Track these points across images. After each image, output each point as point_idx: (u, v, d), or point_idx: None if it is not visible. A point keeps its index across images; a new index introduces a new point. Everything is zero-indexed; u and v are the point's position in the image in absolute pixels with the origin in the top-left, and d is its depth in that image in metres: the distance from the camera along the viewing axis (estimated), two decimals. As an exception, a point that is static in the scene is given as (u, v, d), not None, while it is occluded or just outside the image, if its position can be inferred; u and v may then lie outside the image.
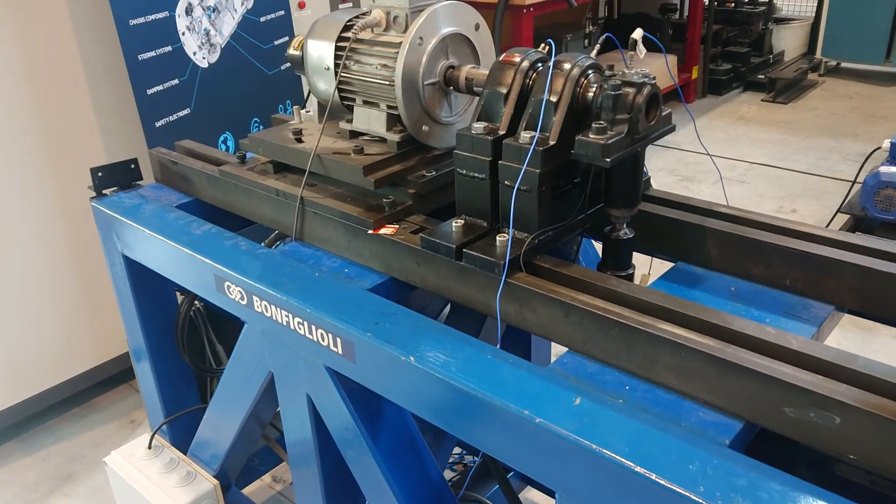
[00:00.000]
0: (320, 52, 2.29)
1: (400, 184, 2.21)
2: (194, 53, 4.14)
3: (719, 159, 7.48)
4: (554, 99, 1.85)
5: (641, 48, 1.84)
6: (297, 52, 2.42)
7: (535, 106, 1.87)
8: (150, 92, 3.83)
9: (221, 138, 4.42)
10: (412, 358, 1.74)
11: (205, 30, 4.18)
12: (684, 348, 1.54)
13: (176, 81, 4.02)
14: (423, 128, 2.18)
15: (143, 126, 3.81)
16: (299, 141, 2.35)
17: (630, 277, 2.01)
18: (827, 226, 5.66)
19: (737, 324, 1.58)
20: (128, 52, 3.68)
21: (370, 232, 2.09)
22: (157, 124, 3.89)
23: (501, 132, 1.92)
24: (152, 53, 3.82)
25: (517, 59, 1.95)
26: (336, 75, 2.27)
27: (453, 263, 1.91)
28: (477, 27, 2.22)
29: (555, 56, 1.89)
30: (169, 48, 3.93)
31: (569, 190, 1.96)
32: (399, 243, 2.04)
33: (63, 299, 4.15)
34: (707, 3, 9.07)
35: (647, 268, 2.27)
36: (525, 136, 1.83)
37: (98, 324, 4.30)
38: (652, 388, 1.61)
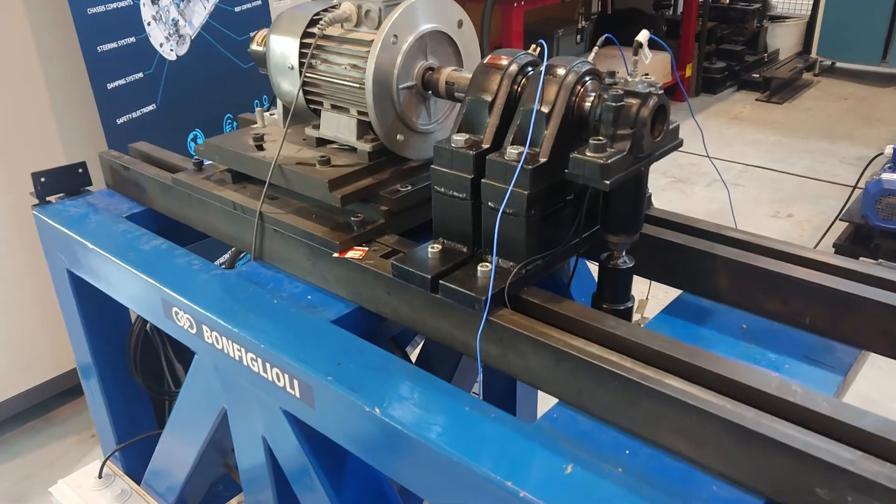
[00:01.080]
0: (284, 48, 2.04)
1: (371, 199, 1.96)
2: (161, 45, 3.86)
3: (714, 160, 7.26)
4: (545, 109, 1.60)
5: (647, 52, 1.60)
6: (261, 49, 2.17)
7: (523, 117, 1.63)
8: (110, 86, 3.55)
9: (191, 136, 4.15)
10: (378, 409, 1.50)
11: (173, 20, 3.90)
12: (695, 410, 1.30)
13: (140, 75, 3.74)
14: (398, 137, 1.93)
15: (102, 124, 3.53)
16: (260, 148, 2.09)
17: (629, 312, 1.78)
18: (825, 234, 5.47)
19: (756, 379, 1.35)
20: (85, 42, 3.40)
21: (335, 255, 1.85)
22: (119, 121, 3.62)
23: (485, 146, 1.67)
24: (113, 45, 3.54)
25: (504, 63, 1.71)
26: (301, 75, 2.01)
27: (428, 295, 1.67)
28: (460, 24, 1.97)
29: (547, 59, 1.65)
30: (132, 39, 3.66)
31: (562, 210, 1.72)
32: (368, 269, 1.79)
33: (19, 306, 3.87)
34: (702, 0, 8.85)
35: (646, 292, 2.04)
36: (512, 151, 1.59)
37: (58, 331, 4.02)
38: (656, 452, 1.38)
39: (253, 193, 2.11)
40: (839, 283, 1.65)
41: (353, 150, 2.01)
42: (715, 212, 6.09)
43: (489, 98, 1.69)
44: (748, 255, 1.78)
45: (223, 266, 2.36)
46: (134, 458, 2.84)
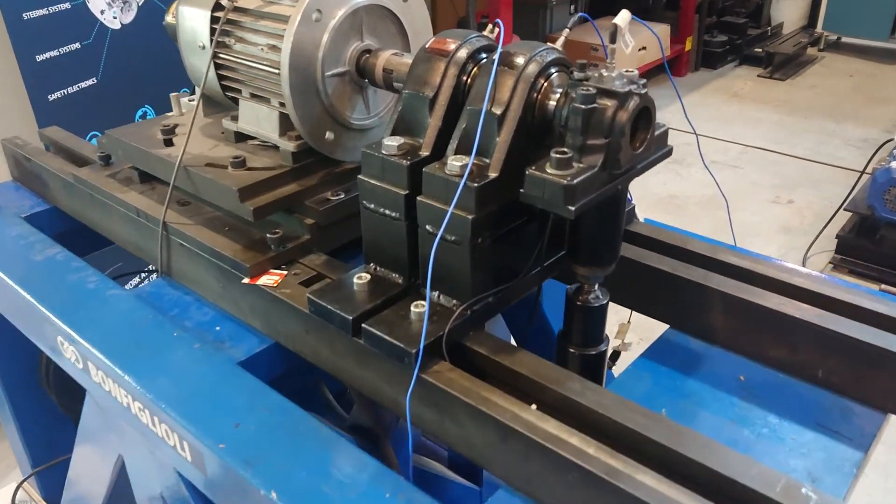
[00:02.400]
0: (194, 23, 1.68)
1: (296, 210, 1.62)
2: (102, 12, 3.46)
3: (711, 140, 6.92)
4: (498, 110, 1.26)
5: (628, 39, 1.25)
6: (173, 21, 1.80)
7: (470, 119, 1.28)
8: (39, 58, 3.17)
9: (139, 113, 3.78)
10: (274, 494, 1.17)
11: (116, -17, 3.51)
12: (677, 522, 0.98)
13: (77, 46, 3.36)
14: (327, 135, 1.58)
15: (31, 100, 3.16)
16: (168, 143, 1.74)
17: (601, 358, 1.45)
18: (827, 223, 5.14)
19: (757, 478, 1.02)
20: (7, 9, 3.02)
21: (245, 281, 1.51)
22: (51, 97, 3.24)
23: (424, 153, 1.33)
24: (42, 11, 3.15)
25: (451, 47, 1.36)
26: (212, 56, 1.65)
27: (350, 340, 1.34)
28: (405, -3, 1.61)
29: (503, 45, 1.30)
30: (66, 5, 3.27)
31: (520, 231, 1.39)
32: (282, 301, 1.46)
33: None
34: (703, -31, 8.41)
35: (628, 314, 1.72)
36: (454, 163, 1.24)
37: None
38: (625, 566, 1.06)
39: (161, 197, 1.77)
40: (862, 332, 1.33)
41: (277, 148, 1.66)
42: (712, 196, 5.74)
43: (430, 93, 1.34)
44: (750, 290, 1.45)
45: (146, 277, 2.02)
46: (52, 482, 2.53)
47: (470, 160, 1.22)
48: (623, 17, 1.23)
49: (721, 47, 8.91)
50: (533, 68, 1.26)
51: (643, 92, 1.18)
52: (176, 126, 1.82)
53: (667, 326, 1.58)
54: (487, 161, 1.26)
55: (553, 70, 1.29)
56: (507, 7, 5.95)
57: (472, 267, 1.27)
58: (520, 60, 1.27)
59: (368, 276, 1.39)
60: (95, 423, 1.74)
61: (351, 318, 1.31)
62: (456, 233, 1.26)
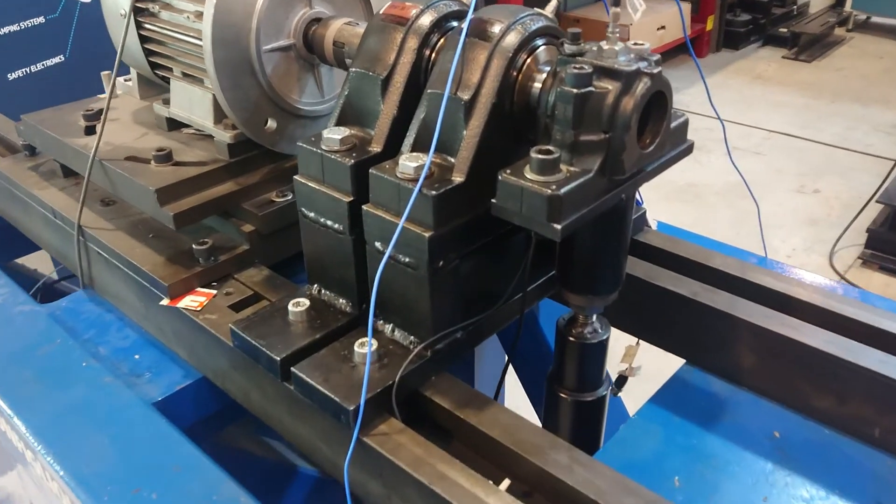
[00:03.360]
0: (112, -14, 1.39)
1: (234, 213, 1.34)
2: (70, -17, 3.18)
3: (732, 125, 6.55)
4: (465, 95, 0.96)
5: (638, 2, 0.95)
6: (101, -14, 1.52)
7: (431, 105, 0.99)
8: (12, 77, 2.92)
9: (114, 94, 3.50)
10: None
11: (86, -48, 3.22)
12: None
13: (41, 20, 3.08)
14: (269, 123, 1.30)
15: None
16: (90, 131, 1.46)
17: (600, 404, 1.17)
18: (857, 215, 4.80)
19: None
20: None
21: (164, 303, 1.24)
22: (11, 76, 2.97)
23: (374, 149, 1.04)
24: (14, 28, 2.89)
25: (411, 13, 1.06)
26: (137, 27, 1.37)
27: (281, 385, 1.06)
28: (367, -47, 1.31)
29: (475, 7, 1.00)
30: (41, 19, 3.01)
31: (498, 248, 1.10)
32: (204, 329, 1.18)
33: None
34: (727, -56, 7.98)
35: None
36: (408, 163, 0.95)
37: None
38: None
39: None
40: (935, 383, 1.03)
41: (213, 139, 1.37)
42: (735, 185, 5.39)
43: (383, 72, 1.05)
44: (787, 321, 1.15)
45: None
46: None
47: (427, 159, 0.93)
48: (630, -30, 0.93)
49: (744, 27, 8.49)
50: (512, 39, 0.96)
51: (656, 71, 0.89)
52: (101, 111, 1.54)
53: (682, 361, 1.29)
54: (452, 161, 0.97)
55: (539, 42, 1.00)
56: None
57: (431, 296, 0.99)
58: (496, 29, 0.98)
59: (307, 303, 1.11)
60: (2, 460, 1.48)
61: (278, 358, 1.03)
62: (410, 254, 0.97)
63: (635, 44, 0.94)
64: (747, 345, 1.18)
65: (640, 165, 0.93)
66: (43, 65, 3.12)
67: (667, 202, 5.08)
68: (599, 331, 1.11)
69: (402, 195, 0.95)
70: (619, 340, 1.46)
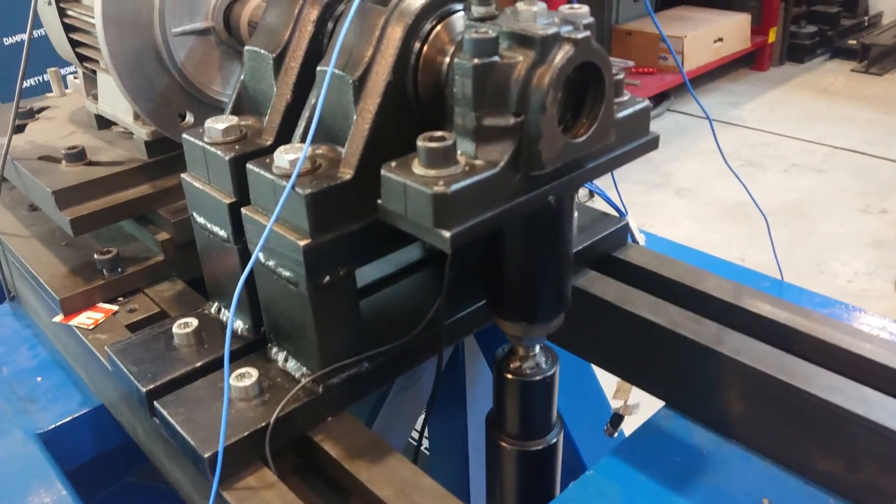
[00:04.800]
0: (38, -30, 1.26)
1: (152, 220, 1.19)
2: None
3: (794, 141, 6.17)
4: (355, 73, 0.78)
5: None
6: (42, -25, 1.40)
7: (320, 87, 0.81)
8: (7, 42, 2.88)
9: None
10: None
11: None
12: None
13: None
14: (186, 118, 1.14)
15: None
16: (19, 129, 1.34)
17: (547, 456, 0.95)
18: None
19: None
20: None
21: (57, 319, 1.09)
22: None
23: (265, 140, 0.87)
24: (12, -10, 2.85)
25: (313, -20, 0.89)
26: (59, 15, 1.24)
27: (153, 422, 0.89)
28: (301, -76, 1.14)
29: (381, -29, 0.82)
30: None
31: (420, 266, 0.91)
32: (91, 351, 1.02)
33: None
34: (792, -47, 7.60)
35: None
36: (284, 156, 0.77)
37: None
38: None
39: (13, 198, 1.37)
40: (973, 450, 0.78)
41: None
42: (792, 204, 5.06)
43: (276, 49, 0.88)
44: (785, 361, 0.92)
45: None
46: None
47: (303, 151, 0.75)
48: None
49: (810, 39, 8.06)
50: (414, 2, 0.78)
51: (581, 37, 0.68)
52: (44, 109, 1.42)
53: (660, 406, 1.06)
54: (339, 153, 0.79)
55: (456, 8, 0.81)
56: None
57: (316, 320, 0.80)
58: (401, -8, 0.79)
59: (196, 324, 0.94)
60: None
61: (144, 390, 0.86)
62: (289, 266, 0.79)
63: (570, 7, 0.74)
64: (735, 388, 0.95)
65: (568, 159, 0.73)
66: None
67: (715, 221, 4.77)
68: (543, 365, 0.91)
69: (277, 194, 0.77)
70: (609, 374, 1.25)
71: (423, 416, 1.65)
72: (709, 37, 6.55)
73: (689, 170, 5.49)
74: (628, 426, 1.51)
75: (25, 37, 2.80)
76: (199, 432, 0.79)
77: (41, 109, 1.43)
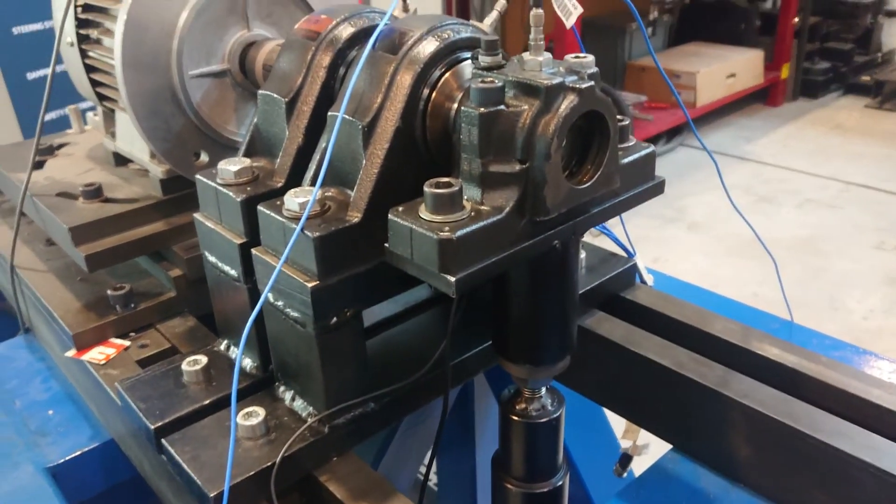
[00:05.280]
0: (61, 13, 1.30)
1: (166, 256, 1.21)
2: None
3: (808, 176, 6.16)
4: (364, 119, 0.80)
5: (571, 3, 0.77)
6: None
7: (330, 131, 0.83)
8: (31, 76, 2.94)
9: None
10: None
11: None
12: None
13: (78, 63, 3.11)
14: (201, 156, 1.16)
15: (18, 121, 2.93)
16: (39, 166, 1.37)
17: (555, 496, 0.95)
18: (945, 277, 4.35)
19: None
20: (-7, 23, 2.80)
21: (69, 354, 1.10)
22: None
23: (276, 182, 0.89)
24: (36, 26, 2.93)
25: (325, 27, 0.91)
26: (81, 56, 1.28)
27: (159, 458, 0.90)
28: (317, -30, 1.18)
29: (392, 17, 0.84)
30: None
31: (426, 307, 0.92)
32: (102, 386, 1.04)
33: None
34: (805, -9, 7.66)
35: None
36: (294, 199, 0.79)
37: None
38: None
39: (31, 233, 1.40)
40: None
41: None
42: (806, 240, 5.03)
43: (288, 94, 0.90)
44: (792, 406, 0.92)
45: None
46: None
47: (313, 194, 0.76)
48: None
49: (823, 75, 8.10)
50: (425, 50, 0.80)
51: (585, 86, 0.70)
52: (63, 145, 1.46)
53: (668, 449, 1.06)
54: (349, 195, 0.81)
55: (464, 56, 0.83)
56: (573, 40, 5.46)
57: (322, 359, 0.81)
58: (409, 40, 0.81)
59: (205, 361, 0.95)
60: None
61: (152, 427, 0.87)
62: (296, 307, 0.80)
63: (576, 57, 0.76)
64: (742, 432, 0.94)
65: (572, 204, 0.74)
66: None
67: (729, 256, 4.75)
68: (549, 407, 0.91)
69: (287, 236, 0.78)
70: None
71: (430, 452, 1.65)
72: (722, 72, 6.59)
73: (703, 205, 5.49)
74: (637, 466, 1.50)
75: (47, 72, 2.85)
76: (205, 471, 0.80)
77: (60, 146, 1.46)
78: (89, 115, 1.58)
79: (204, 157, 1.16)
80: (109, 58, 1.21)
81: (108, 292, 1.14)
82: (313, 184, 0.84)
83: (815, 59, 8.46)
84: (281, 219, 0.79)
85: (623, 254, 1.22)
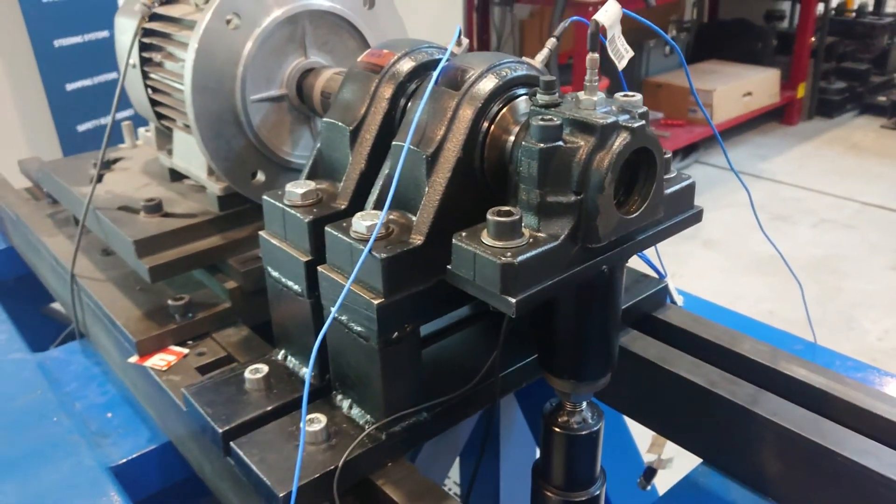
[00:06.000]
0: (126, 36, 1.38)
1: (221, 269, 1.28)
2: (145, 41, 3.32)
3: (824, 196, 6.19)
4: (428, 149, 0.86)
5: (621, 45, 0.84)
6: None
7: (395, 159, 0.90)
8: (70, 87, 3.03)
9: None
10: None
11: (162, 13, 3.36)
12: None
13: (113, 75, 3.21)
14: (256, 176, 1.23)
15: (57, 130, 3.01)
16: (99, 179, 1.44)
17: (593, 503, 1.01)
18: (961, 299, 4.37)
19: None
20: (37, 36, 2.89)
21: (132, 360, 1.17)
22: (80, 128, 3.09)
23: (339, 205, 0.95)
24: (77, 39, 3.02)
25: (388, 60, 0.98)
26: (143, 77, 1.35)
27: (225, 460, 0.96)
28: (370, 2, 1.25)
29: (451, 54, 0.91)
30: (104, 33, 3.13)
31: (473, 323, 0.98)
32: (165, 392, 1.10)
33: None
34: (821, 12, 7.70)
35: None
36: (361, 222, 0.86)
37: None
38: None
39: (88, 243, 1.47)
40: None
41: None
42: (821, 258, 5.06)
43: (352, 122, 0.97)
44: (820, 425, 0.97)
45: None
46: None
47: (380, 218, 0.83)
48: (609, 11, 0.81)
49: (839, 95, 8.13)
50: (485, 87, 0.86)
51: (637, 125, 0.76)
52: (118, 160, 1.53)
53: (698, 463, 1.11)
54: (412, 220, 0.87)
55: (520, 92, 0.89)
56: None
57: (384, 372, 0.87)
58: (470, 76, 0.88)
59: (266, 370, 1.01)
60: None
61: (220, 431, 0.93)
62: (361, 322, 0.86)
63: (625, 95, 0.82)
64: (772, 449, 1.00)
65: (622, 233, 0.80)
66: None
67: (744, 275, 4.79)
68: (590, 420, 0.96)
69: (353, 256, 0.85)
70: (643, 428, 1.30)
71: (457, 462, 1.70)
72: (738, 91, 6.64)
73: (719, 222, 5.52)
74: (661, 480, 1.55)
75: (85, 83, 2.93)
76: (273, 473, 0.86)
77: (115, 160, 1.54)
78: (140, 130, 1.65)
79: (260, 177, 1.23)
80: (171, 80, 1.29)
81: (169, 302, 1.20)
82: (376, 207, 0.90)
83: (832, 79, 8.49)
84: (348, 240, 0.86)
85: (654, 275, 1.28)
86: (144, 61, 1.34)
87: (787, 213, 6.18)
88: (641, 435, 1.52)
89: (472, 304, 1.00)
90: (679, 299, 1.30)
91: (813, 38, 7.87)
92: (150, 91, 1.37)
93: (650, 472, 1.55)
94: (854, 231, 5.90)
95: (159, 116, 1.40)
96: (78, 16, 3.00)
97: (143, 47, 1.31)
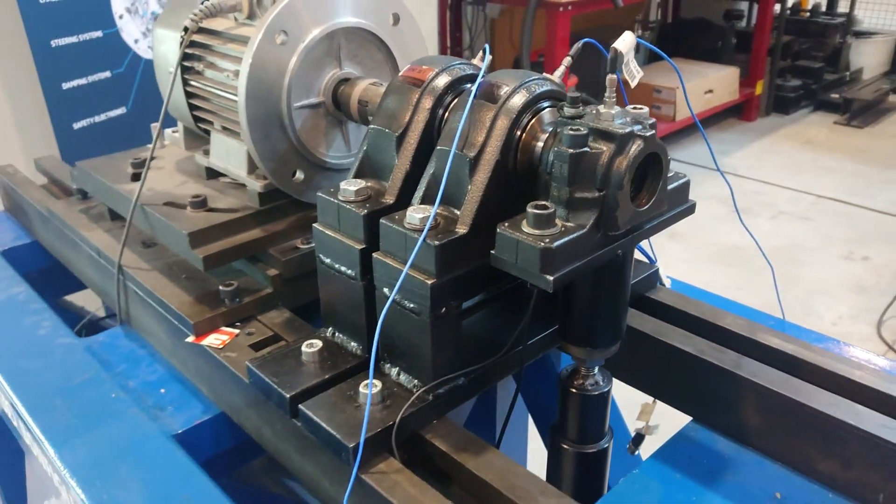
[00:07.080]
0: (166, 46, 1.51)
1: (261, 258, 1.42)
2: (136, 41, 3.41)
3: (782, 189, 6.49)
4: (471, 152, 1.02)
5: (634, 68, 1.01)
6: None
7: (439, 161, 1.06)
8: (66, 86, 3.11)
9: (171, 144, 3.69)
10: None
11: (152, 13, 3.45)
12: None
13: (107, 74, 3.30)
14: (296, 174, 1.38)
15: (54, 128, 3.09)
16: (136, 178, 1.57)
17: (600, 457, 1.18)
18: (908, 285, 4.67)
19: None
20: (34, 35, 2.96)
21: (189, 340, 1.31)
22: (76, 126, 3.17)
23: (387, 200, 1.11)
24: (72, 39, 3.10)
25: (427, 75, 1.14)
26: (183, 84, 1.48)
27: (290, 422, 1.11)
28: (396, 20, 1.40)
29: (485, 71, 1.07)
30: (98, 33, 3.21)
31: (502, 298, 1.14)
32: (224, 366, 1.24)
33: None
34: (778, 12, 8.02)
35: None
36: (415, 214, 1.01)
37: None
38: None
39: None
40: (939, 451, 1.02)
41: (245, 188, 1.46)
42: (780, 248, 5.33)
43: (398, 129, 1.12)
44: (793, 383, 1.16)
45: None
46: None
47: (432, 211, 0.99)
48: (626, 40, 0.98)
49: (794, 92, 8.47)
50: (517, 101, 1.03)
51: (649, 134, 0.93)
52: (152, 159, 1.65)
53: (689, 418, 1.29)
54: (457, 213, 1.03)
55: (545, 104, 1.06)
56: (564, 44, 5.73)
57: (433, 342, 1.03)
58: (504, 90, 1.04)
59: (321, 344, 1.16)
60: (37, 490, 1.55)
61: (288, 396, 1.08)
62: (414, 300, 1.02)
63: (634, 108, 0.99)
64: (752, 405, 1.18)
65: (635, 222, 0.97)
66: (105, 116, 3.32)
67: (709, 264, 5.03)
68: (601, 383, 1.14)
69: (408, 244, 1.00)
70: (635, 397, 1.48)
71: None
72: (700, 88, 6.90)
73: (684, 215, 5.74)
74: (648, 444, 1.73)
75: (80, 82, 3.04)
76: (341, 429, 1.01)
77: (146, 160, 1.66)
78: (167, 131, 1.77)
79: (300, 175, 1.38)
80: (212, 87, 1.43)
81: (220, 287, 1.34)
82: (422, 202, 1.06)
83: (787, 77, 8.83)
84: (403, 230, 1.01)
85: (646, 261, 1.45)
86: (185, 69, 1.47)
87: (748, 206, 6.45)
88: (632, 405, 1.70)
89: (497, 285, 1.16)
90: (667, 282, 1.48)
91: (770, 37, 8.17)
92: (188, 97, 1.50)
93: (639, 438, 1.72)
94: (810, 223, 6.21)
95: (197, 119, 1.53)
96: (74, 16, 3.08)
97: (185, 56, 1.44)
